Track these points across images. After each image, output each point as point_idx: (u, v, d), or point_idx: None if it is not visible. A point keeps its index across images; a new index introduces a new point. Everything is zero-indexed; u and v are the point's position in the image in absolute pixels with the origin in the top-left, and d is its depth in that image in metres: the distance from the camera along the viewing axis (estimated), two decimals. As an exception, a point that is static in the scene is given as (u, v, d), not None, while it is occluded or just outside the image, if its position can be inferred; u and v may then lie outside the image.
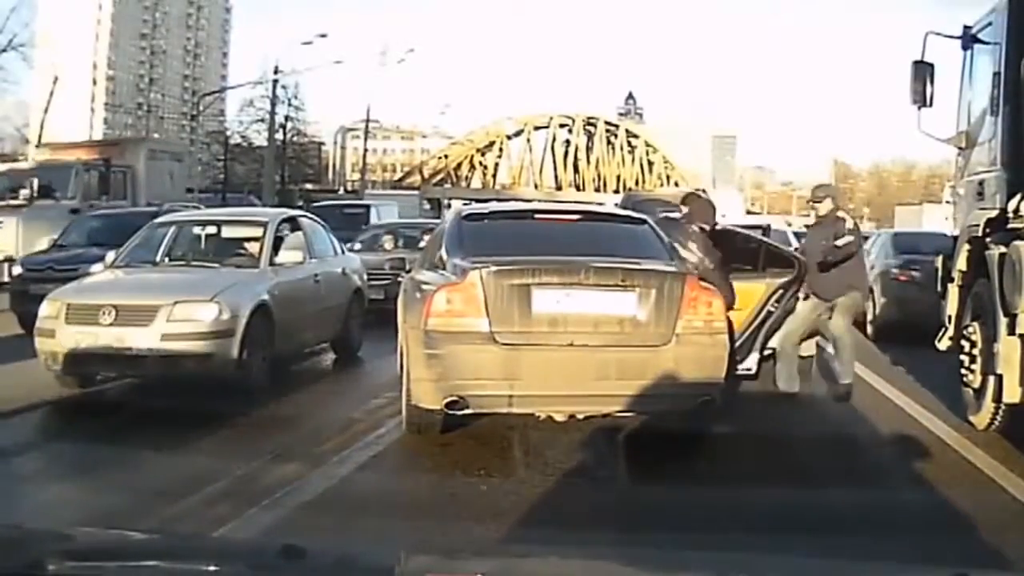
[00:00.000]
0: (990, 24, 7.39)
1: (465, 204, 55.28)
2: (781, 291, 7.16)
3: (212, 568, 2.13)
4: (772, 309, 7.21)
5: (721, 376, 5.95)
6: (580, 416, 6.21)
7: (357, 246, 14.89)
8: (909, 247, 13.53)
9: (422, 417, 6.09)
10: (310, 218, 10.38)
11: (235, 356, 7.57)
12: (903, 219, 37.93)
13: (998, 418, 6.62)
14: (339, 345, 9.99)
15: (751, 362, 6.94)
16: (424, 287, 6.21)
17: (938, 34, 7.84)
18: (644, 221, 7.01)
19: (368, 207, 22.82)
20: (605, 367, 5.74)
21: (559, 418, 6.16)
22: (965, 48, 7.83)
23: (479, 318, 5.69)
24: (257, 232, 9.03)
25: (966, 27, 7.75)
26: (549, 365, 5.71)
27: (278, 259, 8.71)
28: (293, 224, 9.61)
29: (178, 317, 7.46)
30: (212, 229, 9.81)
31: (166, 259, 9.01)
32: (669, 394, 5.79)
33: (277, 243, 8.86)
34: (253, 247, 8.91)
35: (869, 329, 12.91)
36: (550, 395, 5.81)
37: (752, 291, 7.04)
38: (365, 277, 10.77)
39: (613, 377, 5.74)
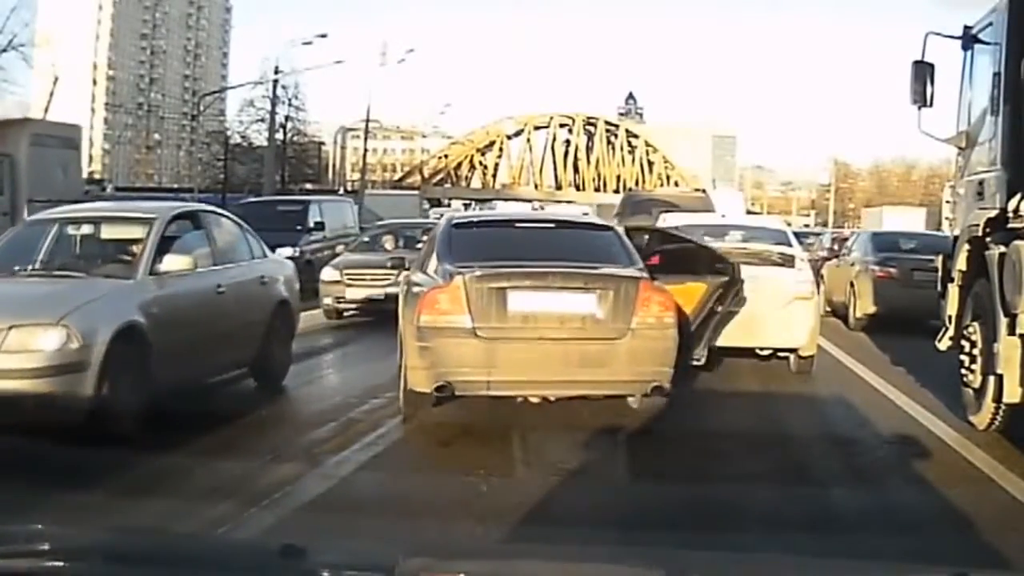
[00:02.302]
0: (990, 24, 7.39)
1: (465, 204, 54.99)
2: (720, 291, 7.66)
3: (212, 568, 2.13)
4: (717, 309, 7.67)
5: (670, 365, 6.68)
6: (552, 399, 6.96)
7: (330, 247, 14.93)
8: (887, 246, 14.57)
9: (417, 399, 6.83)
10: (220, 214, 8.56)
11: (88, 396, 5.89)
12: (868, 220, 41.69)
13: (998, 418, 6.62)
14: (258, 371, 8.15)
15: (699, 353, 7.61)
16: (416, 288, 7.02)
17: (938, 34, 7.84)
18: (611, 228, 7.99)
19: (306, 204, 19.26)
20: (569, 357, 6.57)
21: (534, 400, 6.93)
22: (965, 48, 7.83)
23: (463, 316, 6.49)
24: (139, 232, 7.14)
25: (966, 27, 7.75)
26: (522, 355, 6.54)
27: (163, 266, 6.89)
28: (191, 221, 7.83)
29: (12, 347, 5.79)
30: (89, 228, 7.82)
31: (28, 267, 7.13)
32: (625, 380, 6.66)
33: (166, 246, 7.07)
34: (138, 251, 7.12)
35: (851, 322, 13.78)
36: (523, 380, 6.64)
37: (696, 290, 7.61)
38: (296, 286, 8.96)
39: (576, 365, 6.57)
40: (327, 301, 13.19)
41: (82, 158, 22.07)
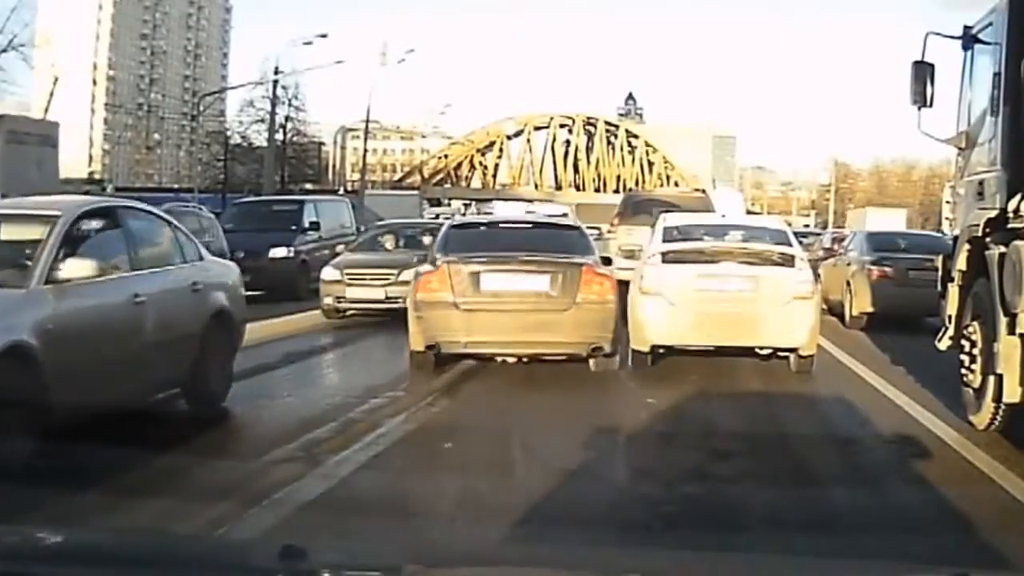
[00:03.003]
0: (990, 24, 7.39)
1: (465, 204, 55.13)
2: None
3: (212, 568, 2.13)
4: None
5: (610, 331, 8.66)
6: (525, 358, 8.88)
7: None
8: (883, 246, 14.87)
9: (417, 357, 8.80)
10: (143, 211, 7.24)
11: None
12: (853, 221, 44.85)
13: (998, 418, 6.61)
14: (191, 392, 7.06)
15: None
16: (418, 274, 9.13)
17: (938, 34, 7.84)
18: (576, 227, 10.33)
19: (302, 204, 18.87)
20: (528, 324, 8.50)
21: (510, 360, 8.91)
22: (965, 48, 7.82)
23: (447, 293, 8.57)
24: (39, 232, 6.02)
25: (966, 27, 7.74)
26: (491, 322, 8.52)
27: (64, 272, 5.80)
28: (105, 220, 6.69)
29: None
30: None
31: None
32: (572, 342, 8.60)
33: (70, 248, 6.01)
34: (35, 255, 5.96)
35: (848, 320, 14.04)
36: (492, 341, 8.62)
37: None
38: (241, 292, 7.87)
39: (533, 330, 8.52)
40: (327, 300, 13.16)
41: (59, 155, 21.48)
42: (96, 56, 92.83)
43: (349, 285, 13.03)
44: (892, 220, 38.62)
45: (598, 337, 8.57)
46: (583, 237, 9.74)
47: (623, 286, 9.25)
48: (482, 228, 10.52)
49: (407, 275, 12.20)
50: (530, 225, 10.93)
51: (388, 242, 14.41)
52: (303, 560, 2.01)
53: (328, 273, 13.34)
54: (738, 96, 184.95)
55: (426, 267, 9.16)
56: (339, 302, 13.13)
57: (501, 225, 10.93)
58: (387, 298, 12.67)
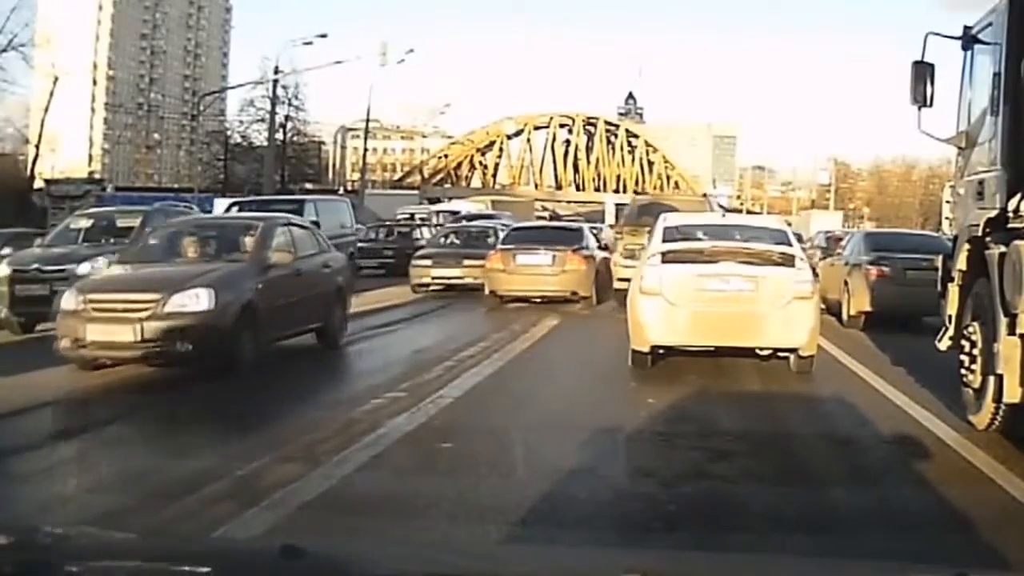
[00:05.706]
0: (990, 24, 7.39)
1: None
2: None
3: (211, 569, 2.13)
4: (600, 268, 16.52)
5: (583, 285, 15.77)
6: (544, 298, 15.70)
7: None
8: (880, 245, 14.97)
9: (489, 300, 15.87)
10: None
11: None
12: (798, 223, 51.11)
13: (998, 418, 6.61)
14: None
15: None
16: (487, 253, 16.65)
17: (938, 34, 7.83)
18: (579, 228, 18.07)
19: (301, 204, 18.04)
20: (539, 280, 15.73)
21: (537, 301, 15.65)
22: (965, 48, 7.82)
23: (500, 264, 15.92)
24: None
25: (966, 27, 7.74)
26: (521, 280, 15.81)
27: None
28: None
29: None
30: None
31: None
32: (562, 290, 15.72)
33: None
34: None
35: (845, 319, 14.16)
36: (521, 289, 15.84)
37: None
38: None
39: (542, 284, 15.76)
40: (64, 344, 8.52)
41: None
42: (96, 56, 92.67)
43: (90, 320, 8.45)
44: (830, 221, 47.22)
45: (577, 287, 15.82)
46: (579, 233, 17.40)
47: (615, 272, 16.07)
48: (525, 229, 18.49)
49: (178, 302, 8.44)
50: (553, 226, 19.77)
51: (190, 248, 9.83)
52: (303, 560, 2.01)
53: (67, 300, 8.72)
54: (738, 96, 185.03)
55: (492, 252, 16.44)
56: (78, 346, 8.48)
57: (536, 228, 19.19)
58: (143, 340, 8.25)
